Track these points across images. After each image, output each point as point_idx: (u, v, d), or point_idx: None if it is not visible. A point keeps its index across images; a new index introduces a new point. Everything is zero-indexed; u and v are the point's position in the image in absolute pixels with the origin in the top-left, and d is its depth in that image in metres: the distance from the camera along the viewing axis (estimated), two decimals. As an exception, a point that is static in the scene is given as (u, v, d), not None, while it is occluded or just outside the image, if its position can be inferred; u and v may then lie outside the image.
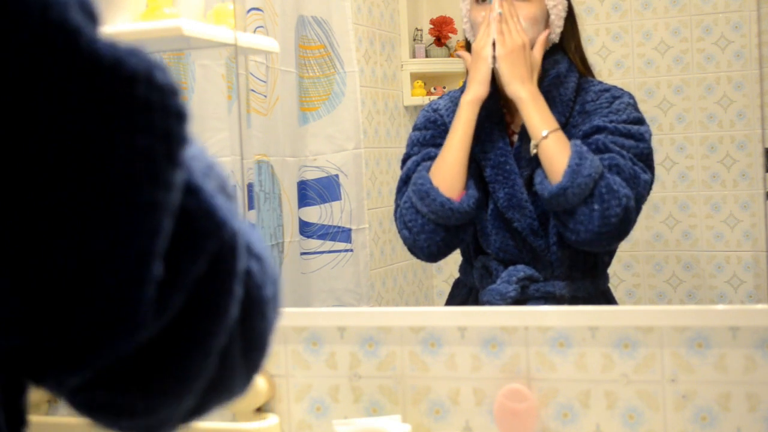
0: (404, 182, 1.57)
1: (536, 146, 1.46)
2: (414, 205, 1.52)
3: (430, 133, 1.58)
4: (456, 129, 1.51)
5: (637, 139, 1.46)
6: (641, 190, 1.44)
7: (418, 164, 1.55)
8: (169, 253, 0.45)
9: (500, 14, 1.49)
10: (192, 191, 0.47)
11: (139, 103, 0.43)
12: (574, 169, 1.40)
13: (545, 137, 1.44)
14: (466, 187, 1.51)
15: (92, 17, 0.43)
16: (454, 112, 1.56)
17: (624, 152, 1.44)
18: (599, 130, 1.46)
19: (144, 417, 0.49)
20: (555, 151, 1.44)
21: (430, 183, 1.50)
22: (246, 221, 0.53)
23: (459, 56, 1.57)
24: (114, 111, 0.42)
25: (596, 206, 1.40)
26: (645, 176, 1.44)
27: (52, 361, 0.44)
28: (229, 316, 0.49)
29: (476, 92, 1.50)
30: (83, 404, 0.48)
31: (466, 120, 1.50)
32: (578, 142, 1.45)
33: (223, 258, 0.48)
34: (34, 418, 1.66)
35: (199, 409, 0.52)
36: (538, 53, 1.50)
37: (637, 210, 1.45)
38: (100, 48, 0.42)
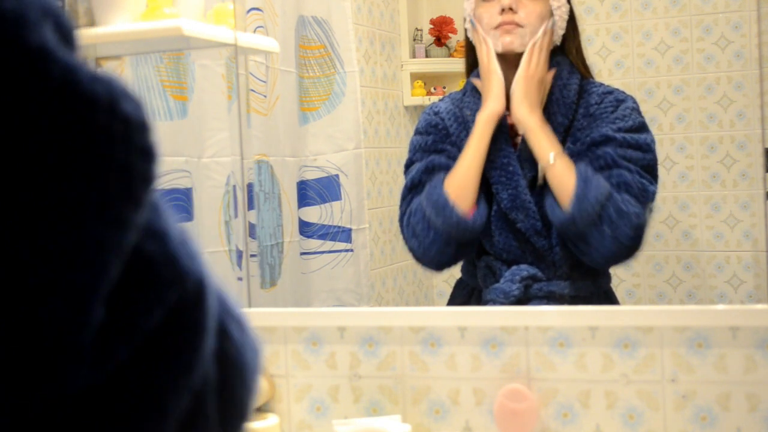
0: (409, 190, 1.56)
1: (544, 172, 1.48)
2: (427, 218, 1.51)
3: (431, 138, 1.57)
4: (471, 145, 1.51)
5: (644, 150, 1.46)
6: (649, 202, 1.45)
7: (423, 173, 1.55)
8: (120, 299, 0.41)
9: (510, 9, 1.49)
10: (155, 235, 0.43)
11: (99, 132, 0.40)
12: (579, 196, 1.42)
13: (552, 164, 1.46)
14: (477, 202, 1.51)
15: (67, 38, 0.42)
16: (455, 114, 1.56)
17: (631, 166, 1.44)
18: (607, 140, 1.46)
19: None
20: (562, 178, 1.45)
21: (447, 198, 1.50)
22: (221, 288, 0.49)
23: (472, 82, 1.57)
24: (70, 137, 0.39)
25: (607, 229, 1.41)
26: (652, 188, 1.45)
27: None
28: (193, 375, 0.45)
29: (494, 108, 1.50)
30: None
31: (481, 136, 1.50)
32: (582, 165, 1.45)
33: (185, 311, 0.44)
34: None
35: None
36: (543, 63, 1.51)
37: (647, 222, 1.45)
38: (64, 71, 0.39)
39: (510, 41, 1.48)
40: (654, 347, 1.37)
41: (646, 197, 1.43)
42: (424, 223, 1.51)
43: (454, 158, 1.53)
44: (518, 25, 1.48)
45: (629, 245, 1.42)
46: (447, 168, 1.53)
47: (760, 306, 1.34)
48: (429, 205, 1.50)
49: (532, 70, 1.48)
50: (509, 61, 1.50)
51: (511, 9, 1.48)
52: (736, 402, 1.34)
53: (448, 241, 1.51)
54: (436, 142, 1.56)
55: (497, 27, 1.49)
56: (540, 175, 1.48)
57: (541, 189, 1.50)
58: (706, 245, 1.67)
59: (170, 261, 0.44)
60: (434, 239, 1.51)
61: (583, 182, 1.42)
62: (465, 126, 1.54)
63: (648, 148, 1.46)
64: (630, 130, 1.46)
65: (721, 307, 1.38)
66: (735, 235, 1.64)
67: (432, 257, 1.53)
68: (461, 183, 1.50)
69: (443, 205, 1.49)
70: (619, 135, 1.46)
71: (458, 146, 1.54)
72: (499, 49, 1.49)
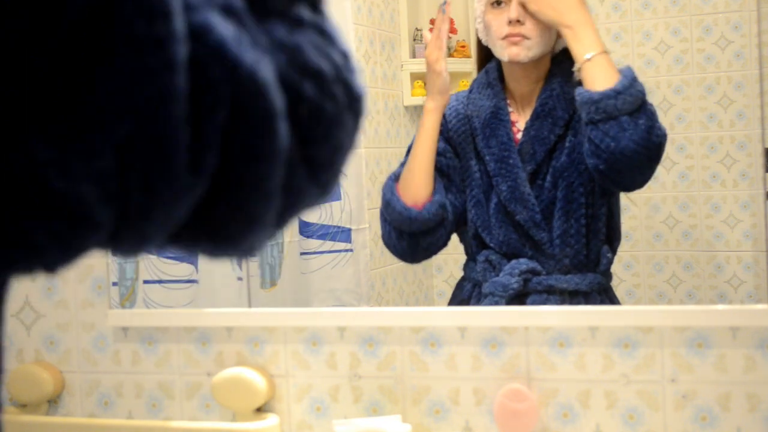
0: (393, 181, 1.62)
1: (579, 69, 1.45)
2: (382, 213, 1.59)
3: None
4: (419, 137, 1.57)
5: None
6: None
7: (402, 165, 1.61)
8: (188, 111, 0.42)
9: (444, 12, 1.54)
10: (196, 34, 0.43)
11: None
12: (630, 79, 1.41)
13: (589, 60, 1.44)
14: (434, 193, 1.54)
15: None
16: (457, 111, 1.59)
17: None
18: None
19: (224, 252, 0.49)
20: (604, 68, 1.43)
21: (392, 192, 1.56)
22: (292, 36, 0.48)
23: (477, 80, 1.62)
24: None
25: (642, 120, 1.39)
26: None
27: (112, 245, 0.44)
28: (277, 155, 0.46)
29: (438, 101, 1.56)
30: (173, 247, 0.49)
31: (429, 127, 1.56)
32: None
33: (246, 101, 0.44)
34: (34, 418, 1.66)
35: (279, 227, 0.50)
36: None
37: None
38: None
39: (516, 53, 1.52)
40: (654, 347, 1.37)
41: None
42: (381, 218, 1.59)
43: (442, 154, 1.58)
44: (525, 37, 1.51)
45: (657, 147, 1.42)
46: (437, 167, 1.59)
47: (760, 306, 1.34)
48: (381, 198, 1.58)
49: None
50: (515, 68, 1.56)
51: (518, 21, 1.50)
52: (736, 402, 1.34)
53: (400, 233, 1.56)
54: None
55: (504, 38, 1.52)
56: (575, 73, 1.46)
57: (541, 182, 1.51)
58: (706, 245, 1.67)
59: (217, 56, 0.43)
60: (388, 231, 1.58)
61: (631, 72, 1.42)
62: (468, 122, 1.57)
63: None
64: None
65: (721, 307, 1.38)
66: (735, 235, 1.64)
67: (393, 248, 1.60)
68: (408, 174, 1.57)
69: (388, 199, 1.56)
70: None
71: (454, 143, 1.59)
72: (506, 59, 1.54)
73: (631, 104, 1.39)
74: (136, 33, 0.40)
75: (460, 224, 1.60)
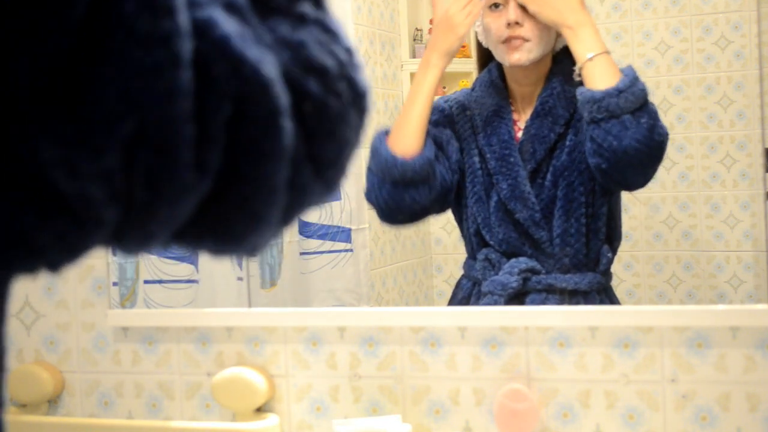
0: None
1: (580, 69, 1.44)
2: (368, 165, 1.55)
3: (435, 116, 1.61)
4: (416, 91, 1.54)
5: None
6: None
7: None
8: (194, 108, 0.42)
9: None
10: (199, 31, 0.43)
11: None
12: (632, 78, 1.40)
13: (590, 60, 1.43)
14: (423, 149, 1.53)
15: None
16: (463, 105, 1.61)
17: None
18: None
19: (228, 250, 0.49)
20: (605, 67, 1.43)
21: (381, 141, 1.53)
22: (295, 33, 0.48)
23: (480, 79, 1.61)
24: None
25: (644, 119, 1.39)
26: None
27: (116, 242, 0.44)
28: (282, 152, 0.45)
29: (443, 61, 1.53)
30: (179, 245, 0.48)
31: (429, 83, 1.53)
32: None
33: (251, 98, 0.44)
34: (34, 418, 1.66)
35: (284, 225, 0.50)
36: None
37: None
38: None
39: (518, 58, 1.52)
40: (654, 347, 1.37)
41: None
42: (368, 171, 1.56)
43: (446, 140, 1.58)
44: (525, 40, 1.52)
45: (659, 146, 1.41)
46: (434, 136, 1.57)
47: (760, 306, 1.34)
48: (370, 148, 1.55)
49: None
50: (516, 70, 1.56)
51: (517, 23, 1.51)
52: (736, 402, 1.34)
53: (382, 181, 1.52)
54: (437, 120, 1.60)
55: (504, 42, 1.52)
56: (576, 72, 1.46)
57: (541, 181, 1.51)
58: (706, 245, 1.67)
59: (222, 53, 0.43)
60: (371, 182, 1.55)
61: (633, 72, 1.41)
62: (470, 119, 1.58)
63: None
64: None
65: (721, 307, 1.38)
66: (735, 235, 1.64)
67: (375, 201, 1.55)
68: (399, 127, 1.54)
69: (377, 146, 1.54)
70: None
71: (459, 135, 1.59)
72: (507, 64, 1.55)
73: (633, 103, 1.39)
74: (140, 29, 0.40)
75: (445, 200, 1.58)
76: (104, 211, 0.41)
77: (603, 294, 1.54)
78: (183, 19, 0.41)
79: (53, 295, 1.73)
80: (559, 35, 1.53)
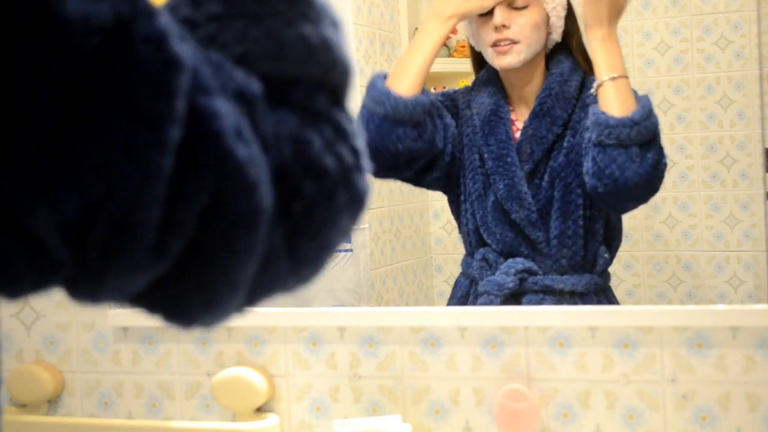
0: None
1: (600, 85, 1.43)
2: (363, 102, 1.51)
3: (440, 96, 1.61)
4: (423, 37, 1.53)
5: None
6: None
7: None
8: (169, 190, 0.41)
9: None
10: (195, 117, 0.42)
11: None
12: (648, 111, 1.39)
13: (613, 80, 1.42)
14: (421, 93, 1.51)
15: None
16: (468, 103, 1.60)
17: None
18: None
19: (179, 324, 0.48)
20: (624, 93, 1.42)
21: (379, 77, 1.51)
22: (303, 129, 0.47)
23: (478, 78, 1.61)
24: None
25: (651, 155, 1.38)
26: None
27: (69, 289, 0.44)
28: (251, 252, 0.45)
29: (455, 20, 1.52)
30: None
31: (438, 34, 1.52)
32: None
33: (230, 196, 0.43)
34: (34, 418, 1.66)
35: (244, 309, 0.49)
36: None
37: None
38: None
39: (508, 61, 1.52)
40: (654, 347, 1.37)
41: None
42: (363, 108, 1.51)
43: (447, 121, 1.57)
44: (513, 42, 1.51)
45: (659, 180, 1.41)
46: (437, 105, 1.56)
47: (760, 306, 1.34)
48: (366, 86, 1.52)
49: None
50: (509, 72, 1.56)
51: (504, 25, 1.51)
52: (736, 402, 1.34)
53: (372, 116, 1.48)
54: (444, 102, 1.60)
55: (493, 45, 1.53)
56: (595, 85, 1.44)
57: (538, 182, 1.51)
58: (706, 245, 1.67)
59: (208, 140, 0.42)
60: (361, 117, 1.50)
61: (648, 102, 1.40)
62: (471, 118, 1.59)
63: None
64: None
65: (721, 307, 1.38)
66: (735, 235, 1.64)
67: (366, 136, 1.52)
68: (399, 69, 1.52)
69: (374, 80, 1.51)
70: None
71: (460, 128, 1.58)
72: (498, 67, 1.55)
73: (644, 137, 1.38)
74: (134, 106, 0.40)
75: (432, 166, 1.57)
76: (58, 254, 0.41)
77: (601, 295, 1.54)
78: (180, 104, 0.41)
79: (53, 295, 1.72)
80: (549, 34, 1.53)
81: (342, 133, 0.49)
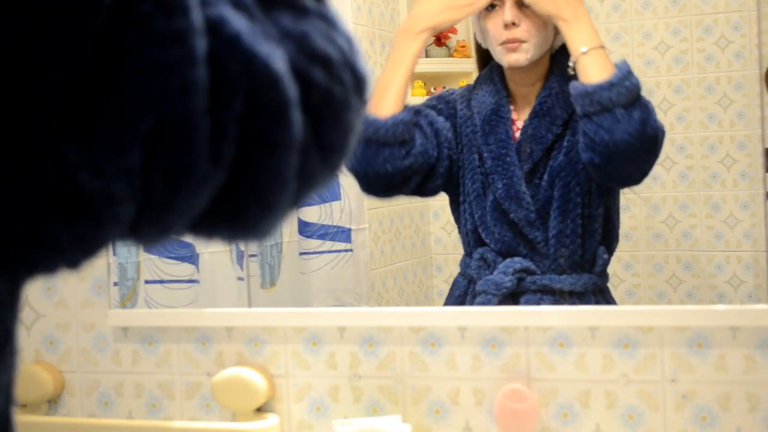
0: None
1: (574, 62, 1.44)
2: None
3: (435, 101, 1.61)
4: (399, 57, 1.54)
5: None
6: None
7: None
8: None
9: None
10: (212, 28, 0.44)
11: None
12: (625, 72, 1.39)
13: (584, 53, 1.43)
14: (401, 111, 1.51)
15: None
16: (467, 99, 1.60)
17: None
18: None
19: (241, 237, 0.51)
20: (599, 61, 1.42)
21: None
22: (298, 25, 0.50)
23: (480, 76, 1.61)
24: None
25: (637, 113, 1.38)
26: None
27: (134, 234, 0.45)
28: (292, 143, 0.47)
29: (428, 33, 1.54)
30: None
31: (412, 52, 1.53)
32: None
33: (262, 93, 0.45)
34: (34, 418, 1.67)
35: (292, 209, 0.52)
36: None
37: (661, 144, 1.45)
38: None
39: (516, 59, 1.53)
40: (654, 347, 1.37)
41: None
42: None
43: (441, 125, 1.57)
44: (521, 41, 1.52)
45: (652, 139, 1.40)
46: (426, 113, 1.57)
47: (760, 306, 1.34)
48: None
49: None
50: (515, 71, 1.56)
51: (513, 23, 1.51)
52: (736, 402, 1.34)
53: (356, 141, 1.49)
54: (436, 106, 1.60)
55: (502, 43, 1.53)
56: (570, 66, 1.46)
57: (538, 181, 1.51)
58: (706, 245, 1.67)
59: (233, 50, 0.44)
60: None
61: (626, 66, 1.41)
62: (470, 118, 1.59)
63: None
64: None
65: (721, 307, 1.38)
66: (735, 235, 1.64)
67: (347, 165, 1.52)
68: (379, 84, 1.54)
69: None
70: None
71: (458, 129, 1.58)
72: (506, 65, 1.55)
73: (625, 96, 1.38)
74: (156, 28, 0.41)
75: (429, 176, 1.57)
76: (124, 208, 0.43)
77: (599, 295, 1.54)
78: (196, 17, 0.43)
79: (53, 295, 1.73)
80: (556, 34, 1.53)
81: (332, 23, 0.52)
